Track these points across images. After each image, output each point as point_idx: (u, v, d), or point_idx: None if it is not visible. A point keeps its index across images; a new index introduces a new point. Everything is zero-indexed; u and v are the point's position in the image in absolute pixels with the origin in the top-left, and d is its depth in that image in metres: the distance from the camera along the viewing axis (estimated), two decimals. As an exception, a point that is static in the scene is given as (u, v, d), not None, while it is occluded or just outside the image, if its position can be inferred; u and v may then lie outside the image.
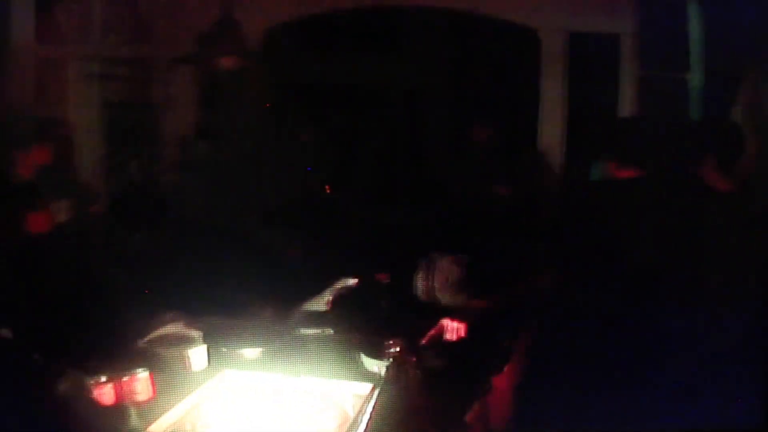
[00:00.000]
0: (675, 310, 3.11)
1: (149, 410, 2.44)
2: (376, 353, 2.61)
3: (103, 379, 2.48)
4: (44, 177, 3.46)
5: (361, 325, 2.90)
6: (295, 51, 4.13)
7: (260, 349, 2.80)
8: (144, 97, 4.05)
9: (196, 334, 2.79)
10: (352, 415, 2.43)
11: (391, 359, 2.49)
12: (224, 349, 2.77)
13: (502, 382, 2.59)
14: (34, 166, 3.48)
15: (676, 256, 3.26)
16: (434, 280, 3.15)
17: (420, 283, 3.18)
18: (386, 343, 2.52)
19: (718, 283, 3.15)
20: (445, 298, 3.16)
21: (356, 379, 2.62)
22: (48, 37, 3.75)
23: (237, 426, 2.46)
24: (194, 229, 3.49)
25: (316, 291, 3.18)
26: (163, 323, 2.82)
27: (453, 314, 2.83)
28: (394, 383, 2.44)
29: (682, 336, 3.05)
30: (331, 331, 2.97)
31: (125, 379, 2.52)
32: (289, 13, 4.15)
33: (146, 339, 2.79)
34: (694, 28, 3.91)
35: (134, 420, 2.42)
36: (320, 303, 3.13)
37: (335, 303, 3.12)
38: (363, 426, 2.28)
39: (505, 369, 2.68)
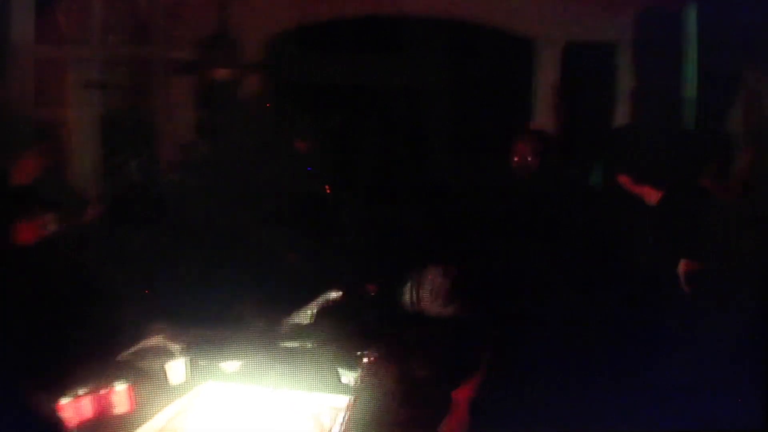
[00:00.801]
0: (677, 311, 3.18)
1: (129, 423, 2.46)
2: (350, 364, 2.57)
3: (82, 392, 2.50)
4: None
5: (343, 338, 2.88)
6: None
7: (241, 362, 2.80)
8: (144, 99, 3.99)
9: (176, 347, 2.79)
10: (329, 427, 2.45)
11: (364, 370, 2.46)
12: (204, 362, 2.77)
13: (466, 392, 2.56)
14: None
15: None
16: (421, 292, 3.09)
17: (407, 295, 3.12)
18: (360, 354, 2.50)
19: (720, 288, 3.20)
20: (431, 309, 3.10)
21: (335, 392, 2.64)
22: (48, 37, 3.74)
23: (217, 437, 2.46)
24: (178, 241, 3.49)
25: (302, 303, 3.15)
26: (147, 336, 2.83)
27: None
28: (367, 393, 2.41)
29: (682, 336, 3.09)
30: (310, 345, 2.95)
31: (104, 391, 2.53)
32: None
33: (128, 352, 2.80)
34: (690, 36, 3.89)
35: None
36: (305, 316, 3.11)
37: (319, 316, 3.10)
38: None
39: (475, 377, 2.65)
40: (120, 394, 2.57)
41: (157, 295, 3.14)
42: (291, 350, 2.92)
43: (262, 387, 2.69)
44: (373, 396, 2.46)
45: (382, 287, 3.22)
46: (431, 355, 2.63)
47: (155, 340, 2.83)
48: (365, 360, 2.52)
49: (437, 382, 2.54)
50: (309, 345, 2.95)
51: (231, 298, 3.13)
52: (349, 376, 2.64)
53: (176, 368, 2.73)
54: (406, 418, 2.42)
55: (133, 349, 2.80)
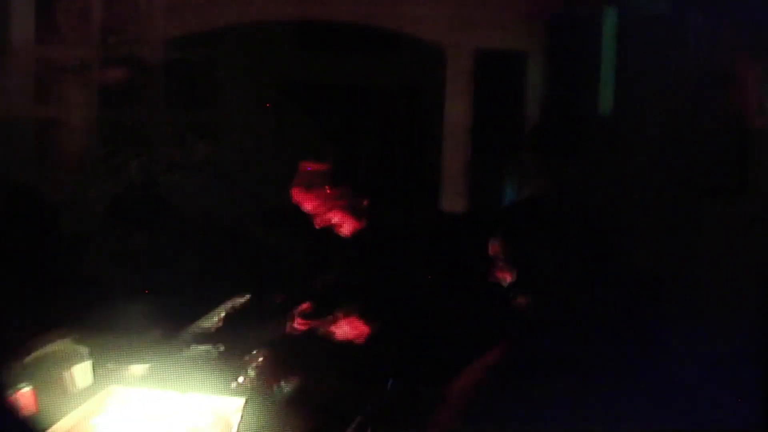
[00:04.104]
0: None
1: (33, 427, 2.47)
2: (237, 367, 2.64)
3: (-16, 394, 2.50)
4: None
5: (247, 343, 2.92)
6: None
7: (147, 366, 2.81)
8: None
9: (83, 350, 2.81)
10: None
11: (253, 372, 2.49)
12: (110, 365, 2.78)
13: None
14: None
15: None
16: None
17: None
18: (249, 355, 2.53)
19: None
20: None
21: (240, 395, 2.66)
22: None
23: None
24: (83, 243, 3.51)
25: (210, 308, 3.17)
26: (50, 340, 2.84)
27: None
28: (257, 396, 2.44)
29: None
30: (222, 348, 2.98)
31: (8, 394, 2.54)
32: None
33: (32, 356, 2.81)
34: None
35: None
36: (212, 320, 3.13)
37: (227, 319, 3.12)
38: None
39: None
40: (25, 397, 2.57)
41: (63, 298, 3.14)
42: (198, 355, 2.92)
43: (168, 391, 2.69)
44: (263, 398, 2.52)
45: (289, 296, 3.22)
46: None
47: (61, 344, 2.84)
48: (255, 361, 2.52)
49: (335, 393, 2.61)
50: (217, 350, 2.98)
51: (138, 302, 3.13)
52: (243, 378, 2.64)
53: (82, 372, 2.73)
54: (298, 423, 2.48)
55: (36, 353, 2.81)
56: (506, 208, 3.81)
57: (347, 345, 2.96)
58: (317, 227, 3.10)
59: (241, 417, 2.47)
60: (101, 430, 2.53)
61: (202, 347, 3.01)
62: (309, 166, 3.12)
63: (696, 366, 3.07)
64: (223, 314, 3.14)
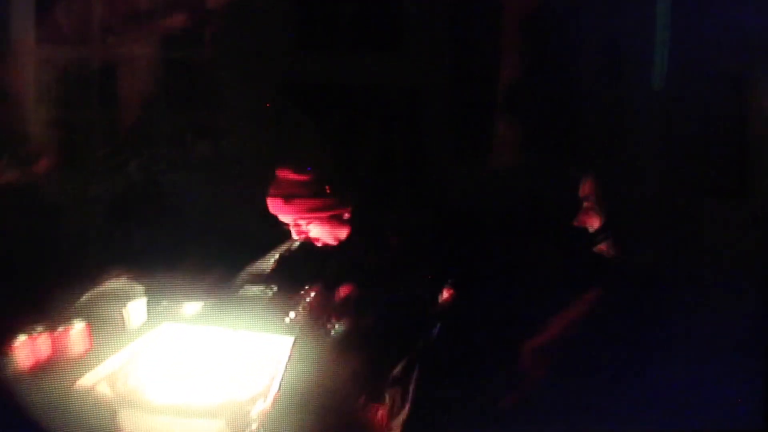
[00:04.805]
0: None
1: (86, 362, 2.49)
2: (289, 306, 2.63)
3: (39, 329, 2.53)
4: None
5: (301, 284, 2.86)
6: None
7: (201, 304, 2.80)
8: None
9: (137, 288, 2.82)
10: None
11: (303, 310, 2.44)
12: (164, 303, 2.78)
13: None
14: None
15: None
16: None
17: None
18: (300, 292, 2.47)
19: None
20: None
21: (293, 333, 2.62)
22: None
23: (172, 378, 2.46)
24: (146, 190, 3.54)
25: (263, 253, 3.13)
26: (106, 278, 2.86)
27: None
28: (306, 335, 2.39)
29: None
30: (275, 289, 2.94)
31: (61, 330, 2.56)
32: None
33: (88, 293, 2.83)
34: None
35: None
36: (266, 263, 3.10)
37: (280, 263, 3.08)
38: (279, 377, 2.32)
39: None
40: (77, 332, 2.58)
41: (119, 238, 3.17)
42: (251, 295, 2.89)
43: (221, 329, 2.68)
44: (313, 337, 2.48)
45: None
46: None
47: (117, 282, 2.85)
48: (306, 298, 2.47)
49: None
50: (271, 290, 2.93)
51: (193, 242, 3.13)
52: (294, 315, 2.60)
53: (136, 309, 2.74)
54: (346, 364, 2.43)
55: (92, 291, 2.83)
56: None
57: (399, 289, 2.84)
58: (297, 238, 2.97)
59: (290, 355, 2.41)
60: (153, 366, 2.53)
61: (256, 288, 2.96)
62: (288, 174, 2.89)
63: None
64: (277, 256, 3.09)
